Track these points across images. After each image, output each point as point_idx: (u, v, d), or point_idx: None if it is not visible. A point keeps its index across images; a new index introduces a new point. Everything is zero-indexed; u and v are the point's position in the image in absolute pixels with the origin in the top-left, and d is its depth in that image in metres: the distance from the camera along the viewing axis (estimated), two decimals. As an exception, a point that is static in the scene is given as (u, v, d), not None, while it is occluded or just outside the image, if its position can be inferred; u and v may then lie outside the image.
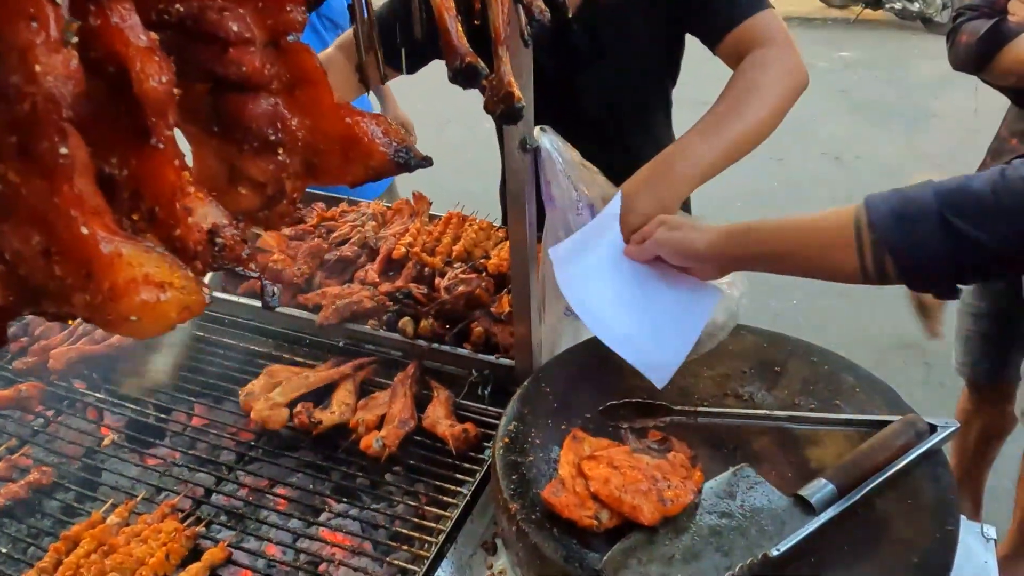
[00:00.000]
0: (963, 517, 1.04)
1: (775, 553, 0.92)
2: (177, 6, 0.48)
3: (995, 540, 1.14)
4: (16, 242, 0.40)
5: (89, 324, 0.41)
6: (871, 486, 1.01)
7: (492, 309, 1.56)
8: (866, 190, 1.03)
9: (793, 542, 0.93)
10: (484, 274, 1.66)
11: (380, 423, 1.35)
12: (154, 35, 0.43)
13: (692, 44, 1.56)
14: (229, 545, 1.16)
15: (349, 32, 1.61)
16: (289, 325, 1.63)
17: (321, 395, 1.42)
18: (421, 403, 1.39)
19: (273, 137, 0.54)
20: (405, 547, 1.15)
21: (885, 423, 1.10)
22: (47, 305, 0.45)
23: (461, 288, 1.58)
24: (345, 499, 1.26)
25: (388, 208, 2.01)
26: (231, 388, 1.47)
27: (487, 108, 0.74)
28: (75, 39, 0.38)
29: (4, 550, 1.20)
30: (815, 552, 0.95)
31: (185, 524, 1.18)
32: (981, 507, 2.48)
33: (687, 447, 1.09)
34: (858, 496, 0.99)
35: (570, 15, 1.44)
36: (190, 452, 1.38)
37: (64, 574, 1.10)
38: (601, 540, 0.97)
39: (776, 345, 1.33)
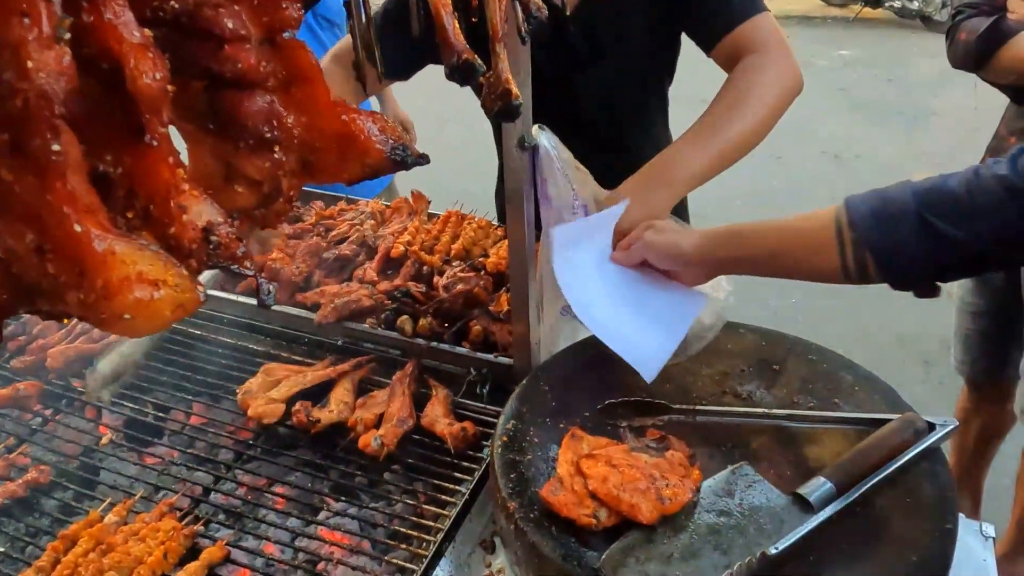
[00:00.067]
0: (962, 515, 1.03)
1: (774, 551, 0.92)
2: (172, 3, 0.47)
3: (994, 538, 1.14)
4: (9, 240, 0.39)
5: (83, 323, 0.41)
6: (870, 484, 1.00)
7: (491, 308, 1.56)
8: (866, 189, 1.04)
9: (792, 540, 0.93)
10: (483, 273, 1.66)
11: (378, 422, 1.35)
12: (148, 31, 0.43)
13: (689, 41, 1.56)
14: (227, 544, 1.16)
15: (343, 42, 1.60)
16: (287, 324, 1.63)
17: (319, 394, 1.42)
18: (420, 402, 1.39)
19: (269, 135, 0.54)
20: (404, 546, 1.15)
21: (884, 421, 1.10)
22: (41, 304, 0.44)
23: (460, 287, 1.58)
24: (344, 498, 1.26)
25: (387, 207, 2.01)
26: (229, 387, 1.47)
27: (485, 105, 0.74)
28: (68, 35, 0.38)
29: (2, 549, 1.19)
30: (814, 550, 0.94)
31: (183, 523, 1.18)
32: (980, 505, 2.48)
33: (685, 445, 1.09)
34: (857, 494, 0.99)
35: (568, 15, 1.44)
36: (188, 451, 1.38)
37: (62, 573, 1.10)
38: (599, 539, 0.97)
39: (775, 343, 1.32)
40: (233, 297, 1.66)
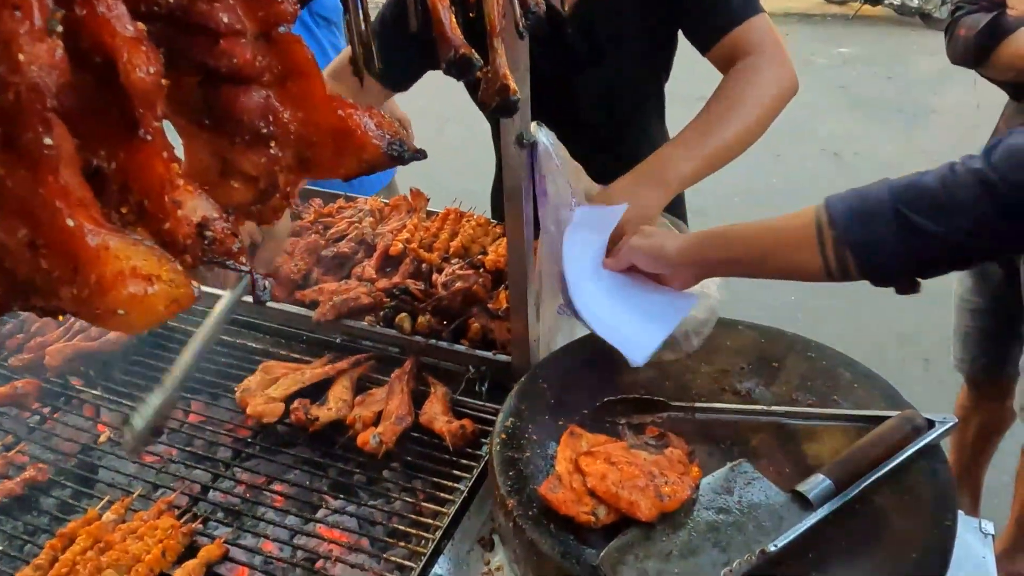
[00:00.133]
0: (961, 512, 1.03)
1: (773, 549, 0.92)
2: (166, -3, 0.47)
3: (993, 535, 1.14)
4: (1, 235, 0.39)
5: (77, 318, 0.41)
6: (869, 482, 1.00)
7: (489, 305, 1.56)
8: (865, 186, 1.04)
9: (791, 538, 0.93)
10: (481, 270, 1.65)
11: (377, 419, 1.34)
12: (141, 25, 0.42)
13: (686, 41, 1.56)
14: (226, 542, 1.16)
15: (339, 60, 1.59)
16: (286, 321, 1.63)
17: (318, 392, 1.42)
18: (418, 399, 1.39)
19: (265, 130, 0.53)
20: (402, 543, 1.15)
21: (883, 419, 1.09)
22: (36, 300, 0.44)
23: (458, 284, 1.58)
24: (342, 496, 1.26)
25: (385, 204, 2.01)
26: (228, 385, 1.46)
27: (482, 101, 0.73)
28: (60, 28, 0.37)
29: (0, 547, 1.19)
30: (813, 548, 0.94)
31: (182, 521, 1.18)
32: (979, 502, 2.48)
33: (684, 443, 1.09)
34: (856, 492, 0.99)
35: (566, 15, 1.44)
36: (187, 449, 1.37)
37: (60, 571, 1.09)
38: (598, 536, 0.96)
39: (774, 341, 1.32)
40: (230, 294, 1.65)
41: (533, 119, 1.18)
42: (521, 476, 1.06)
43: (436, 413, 1.33)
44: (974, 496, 2.47)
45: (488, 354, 1.45)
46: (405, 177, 2.62)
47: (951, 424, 1.09)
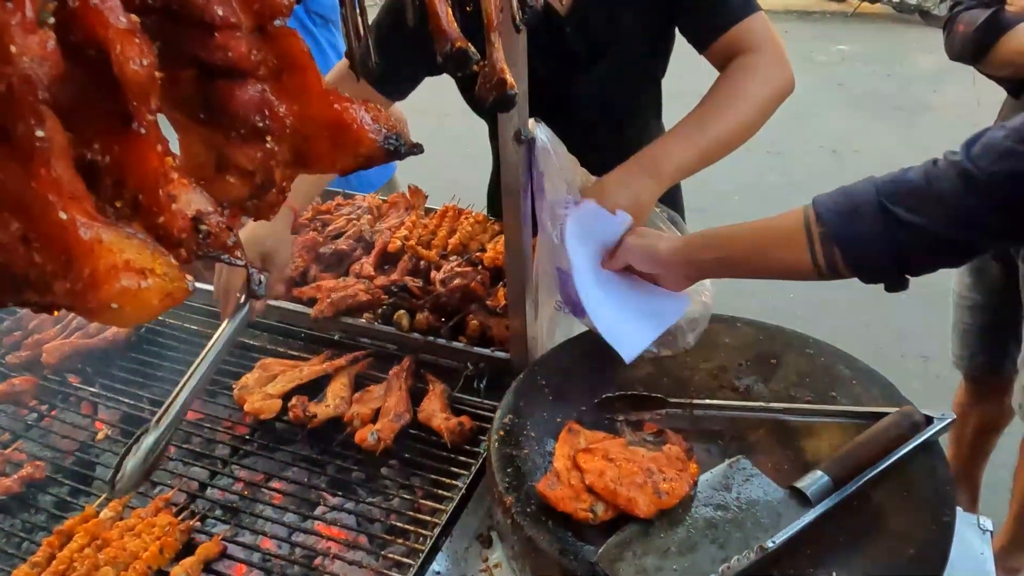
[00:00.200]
0: (960, 509, 1.03)
1: (771, 545, 0.91)
2: (161, -10, 0.47)
3: (991, 532, 1.13)
4: (-6, 229, 0.39)
5: (71, 313, 0.40)
6: (867, 478, 1.00)
7: (488, 302, 1.56)
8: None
9: (789, 534, 0.93)
10: (480, 267, 1.65)
11: (375, 417, 1.34)
12: (135, 17, 0.42)
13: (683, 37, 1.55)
14: (224, 539, 1.16)
15: (336, 71, 1.58)
16: (284, 318, 1.62)
17: (316, 389, 1.42)
18: (416, 396, 1.38)
19: (261, 124, 0.53)
20: (400, 540, 1.15)
21: (881, 415, 1.09)
22: (30, 295, 0.44)
23: (457, 281, 1.58)
24: (340, 493, 1.26)
25: (383, 201, 2.00)
26: (225, 382, 1.46)
27: (479, 95, 0.73)
28: (52, 20, 0.37)
29: (-3, 545, 1.19)
30: (811, 544, 0.94)
31: (179, 518, 1.18)
32: (978, 499, 2.48)
33: (683, 440, 1.09)
34: (854, 488, 0.99)
35: (563, 15, 1.44)
36: (184, 446, 1.37)
37: (57, 568, 1.09)
38: (596, 533, 0.96)
39: (772, 337, 1.32)
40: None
41: (531, 117, 1.18)
42: (519, 473, 1.06)
43: (434, 410, 1.33)
44: (972, 493, 2.48)
45: (486, 351, 1.45)
46: (405, 173, 2.62)
47: (949, 420, 1.08)
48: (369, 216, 1.91)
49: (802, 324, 1.34)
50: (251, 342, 1.59)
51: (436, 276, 1.64)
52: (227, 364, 1.52)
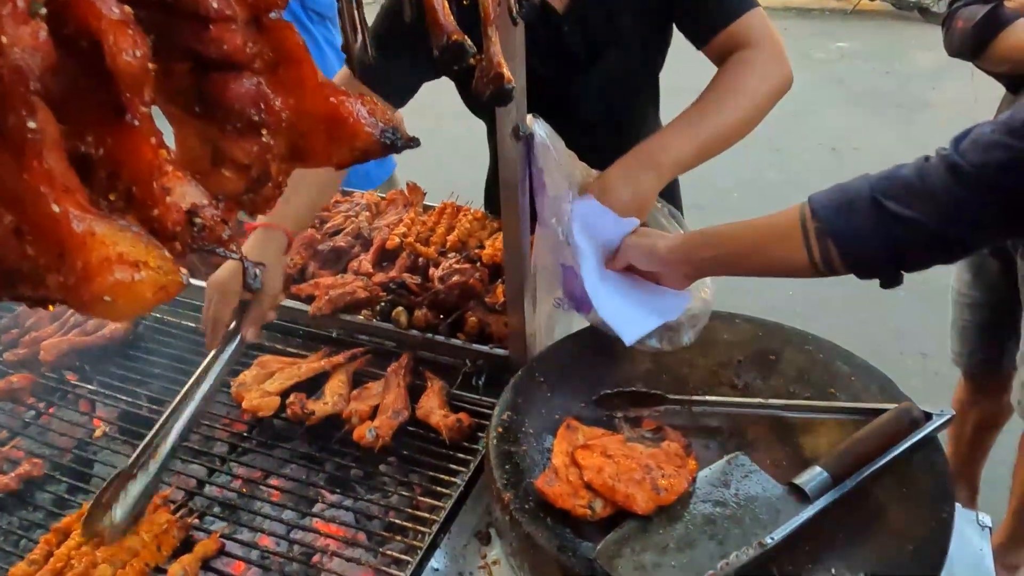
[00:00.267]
0: (958, 505, 1.03)
1: (770, 541, 0.91)
2: (155, -18, 0.46)
3: (990, 528, 1.13)
4: (-13, 221, 0.38)
5: (65, 306, 0.40)
6: (866, 474, 1.00)
7: (486, 299, 1.55)
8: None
9: (788, 530, 0.93)
10: (478, 264, 1.65)
11: (374, 414, 1.34)
12: (127, 8, 0.42)
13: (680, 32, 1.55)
14: (222, 536, 1.15)
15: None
16: (282, 316, 1.61)
17: (314, 386, 1.42)
18: (415, 393, 1.38)
19: (256, 117, 0.53)
20: (399, 537, 1.14)
21: (880, 411, 1.09)
22: (23, 288, 0.43)
23: (455, 278, 1.57)
24: (339, 490, 1.25)
25: (382, 198, 2.00)
26: (223, 379, 1.45)
27: (476, 89, 0.73)
28: (43, 10, 0.37)
29: (-5, 542, 1.19)
30: (810, 540, 0.94)
31: (177, 515, 1.18)
32: (977, 495, 2.48)
33: (681, 436, 1.09)
34: (853, 484, 0.99)
35: (560, 13, 1.43)
36: (183, 443, 1.36)
37: (55, 566, 1.09)
38: (595, 529, 0.96)
39: (771, 334, 1.32)
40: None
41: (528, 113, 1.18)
42: (518, 470, 1.05)
43: (433, 407, 1.33)
44: (971, 489, 2.48)
45: (485, 348, 1.45)
46: (405, 171, 2.61)
47: (948, 417, 1.08)
48: (367, 213, 1.90)
49: (801, 322, 1.34)
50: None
51: (434, 273, 1.63)
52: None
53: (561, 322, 1.39)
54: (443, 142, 4.40)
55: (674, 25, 1.51)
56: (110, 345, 1.58)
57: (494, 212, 1.83)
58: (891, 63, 7.21)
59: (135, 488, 1.09)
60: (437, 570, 1.09)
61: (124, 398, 1.47)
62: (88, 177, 0.43)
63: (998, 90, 2.08)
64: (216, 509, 1.24)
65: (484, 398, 1.37)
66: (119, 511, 1.07)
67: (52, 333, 1.60)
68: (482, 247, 1.72)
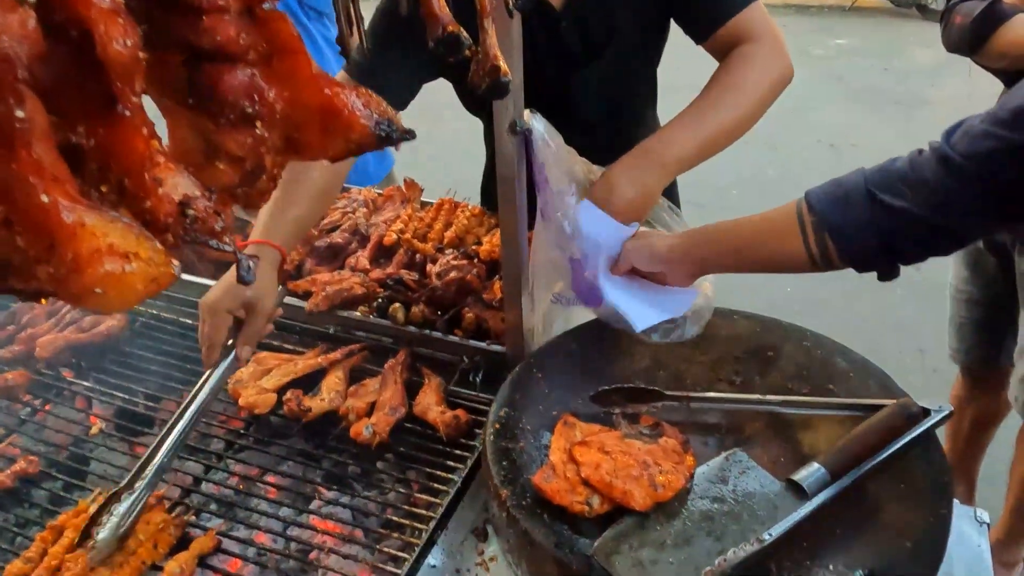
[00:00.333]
0: (956, 501, 1.03)
1: (767, 537, 0.91)
2: (147, -28, 0.46)
3: (988, 524, 1.13)
4: (-25, 213, 0.38)
5: (56, 299, 0.39)
6: (864, 470, 1.00)
7: (484, 295, 1.55)
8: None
9: (786, 527, 0.93)
10: (476, 260, 1.64)
11: (371, 410, 1.34)
12: (119, -3, 0.41)
13: (678, 28, 1.55)
14: (218, 533, 1.15)
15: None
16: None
17: (311, 383, 1.41)
18: (412, 390, 1.38)
19: (250, 109, 0.52)
20: (396, 534, 1.14)
21: (878, 407, 1.09)
22: (14, 281, 0.43)
23: (452, 274, 1.57)
24: (336, 487, 1.25)
25: (379, 195, 1.99)
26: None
27: (472, 82, 0.72)
28: (32, -1, 0.36)
29: (-10, 539, 1.18)
30: (808, 536, 0.94)
31: (174, 513, 1.17)
32: (975, 492, 2.49)
33: (679, 432, 1.09)
34: (851, 480, 0.99)
35: (558, 9, 1.43)
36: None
37: (50, 563, 1.08)
38: (592, 526, 0.96)
39: (769, 330, 1.32)
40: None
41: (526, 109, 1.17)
42: (515, 466, 1.05)
43: (430, 404, 1.33)
44: (969, 485, 2.48)
45: (482, 344, 1.45)
46: (404, 169, 2.61)
47: (946, 412, 1.08)
48: (365, 209, 1.90)
49: (799, 318, 1.34)
50: (246, 336, 1.57)
51: (432, 269, 1.63)
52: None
53: (559, 318, 1.39)
54: (441, 139, 4.40)
55: (672, 21, 1.51)
56: (106, 342, 1.57)
57: (491, 208, 1.83)
58: (890, 60, 7.21)
59: (121, 508, 1.09)
60: (434, 567, 1.09)
61: (120, 395, 1.46)
62: (79, 168, 0.43)
63: (996, 86, 2.08)
64: (213, 506, 1.23)
65: (481, 394, 1.37)
66: (103, 532, 1.06)
67: (48, 330, 1.60)
68: (479, 243, 1.72)
